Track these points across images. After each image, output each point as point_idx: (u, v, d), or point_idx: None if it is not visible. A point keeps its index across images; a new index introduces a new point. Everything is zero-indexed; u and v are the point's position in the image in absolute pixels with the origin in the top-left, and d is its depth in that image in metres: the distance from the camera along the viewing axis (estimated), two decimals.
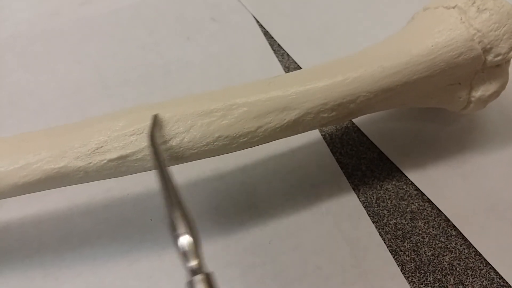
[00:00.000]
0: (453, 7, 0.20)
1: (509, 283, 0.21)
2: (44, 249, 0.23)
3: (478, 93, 0.21)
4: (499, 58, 0.20)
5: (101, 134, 0.19)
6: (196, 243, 0.14)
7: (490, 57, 0.20)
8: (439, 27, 0.20)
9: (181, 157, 0.19)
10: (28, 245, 0.23)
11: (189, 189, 0.24)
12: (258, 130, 0.19)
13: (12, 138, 0.19)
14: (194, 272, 0.13)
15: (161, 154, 0.17)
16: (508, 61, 0.21)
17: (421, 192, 0.24)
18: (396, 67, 0.19)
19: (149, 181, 0.25)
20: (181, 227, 0.14)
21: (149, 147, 0.17)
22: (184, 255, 0.13)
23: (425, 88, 0.20)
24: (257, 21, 0.32)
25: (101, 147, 0.18)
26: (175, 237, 0.14)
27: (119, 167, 0.18)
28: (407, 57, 0.19)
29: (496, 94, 0.21)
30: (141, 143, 0.18)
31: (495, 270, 0.22)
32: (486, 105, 0.22)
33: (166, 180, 0.16)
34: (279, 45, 0.30)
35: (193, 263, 0.13)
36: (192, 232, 0.14)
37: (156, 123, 0.18)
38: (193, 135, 0.19)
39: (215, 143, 0.19)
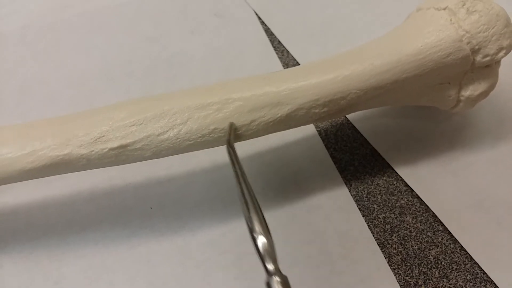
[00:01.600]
0: (444, 9, 0.20)
1: (492, 278, 0.22)
2: (50, 232, 0.24)
3: (467, 93, 0.22)
4: (487, 59, 0.20)
5: (103, 124, 0.20)
6: (272, 247, 0.15)
7: (478, 58, 0.20)
8: (429, 28, 0.20)
9: (178, 148, 0.20)
10: (34, 228, 0.24)
11: (188, 180, 0.25)
12: (252, 123, 0.20)
13: (20, 125, 0.20)
14: (271, 273, 0.14)
15: (239, 161, 0.18)
16: (498, 62, 0.21)
17: (411, 188, 0.24)
18: (386, 66, 0.20)
19: (149, 171, 0.26)
20: (259, 230, 0.15)
21: (228, 154, 0.18)
22: (263, 256, 0.15)
23: (415, 86, 0.21)
24: (259, 18, 0.32)
25: (103, 136, 0.19)
26: (254, 238, 0.15)
27: (119, 155, 0.19)
28: (397, 56, 0.20)
29: (485, 94, 0.22)
30: (141, 133, 0.19)
31: (480, 265, 0.22)
32: (475, 105, 0.22)
33: (244, 186, 0.17)
34: (279, 42, 0.31)
35: (271, 266, 0.15)
36: (268, 236, 0.15)
37: (232, 131, 0.19)
38: (190, 127, 0.20)
39: (210, 135, 0.20)
